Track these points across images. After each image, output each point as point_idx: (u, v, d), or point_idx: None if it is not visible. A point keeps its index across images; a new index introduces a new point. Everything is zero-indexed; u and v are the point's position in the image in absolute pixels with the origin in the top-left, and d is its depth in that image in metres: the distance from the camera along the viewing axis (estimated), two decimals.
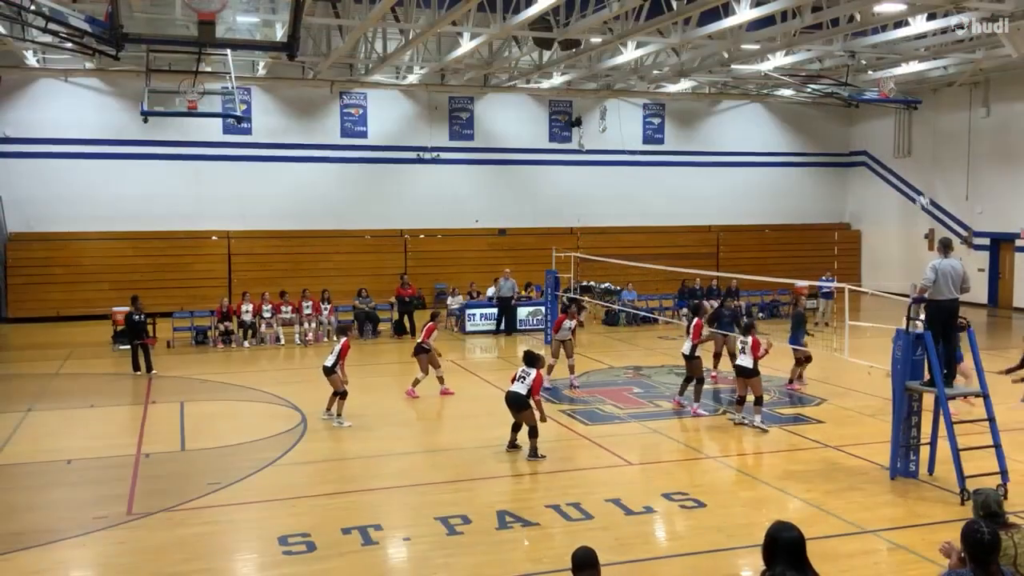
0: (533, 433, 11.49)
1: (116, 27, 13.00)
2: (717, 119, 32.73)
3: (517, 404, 11.54)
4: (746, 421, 13.34)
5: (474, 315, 23.78)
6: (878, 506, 9.83)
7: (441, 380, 15.64)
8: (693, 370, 14.32)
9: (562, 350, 16.28)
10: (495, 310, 23.82)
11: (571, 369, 16.35)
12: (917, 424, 10.77)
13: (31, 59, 24.65)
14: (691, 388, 14.45)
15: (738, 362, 13.47)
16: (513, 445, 11.84)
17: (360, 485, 10.85)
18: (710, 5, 18.04)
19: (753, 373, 13.18)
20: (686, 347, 14.48)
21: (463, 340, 22.85)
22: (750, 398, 13.32)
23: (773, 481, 10.72)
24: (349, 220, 28.50)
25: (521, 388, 11.52)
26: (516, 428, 11.84)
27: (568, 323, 16.27)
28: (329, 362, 13.77)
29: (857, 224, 34.10)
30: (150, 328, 19.43)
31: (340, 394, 13.71)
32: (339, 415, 13.66)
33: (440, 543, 8.75)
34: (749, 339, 13.29)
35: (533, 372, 11.58)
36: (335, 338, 14.99)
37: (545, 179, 30.63)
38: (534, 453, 11.50)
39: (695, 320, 14.81)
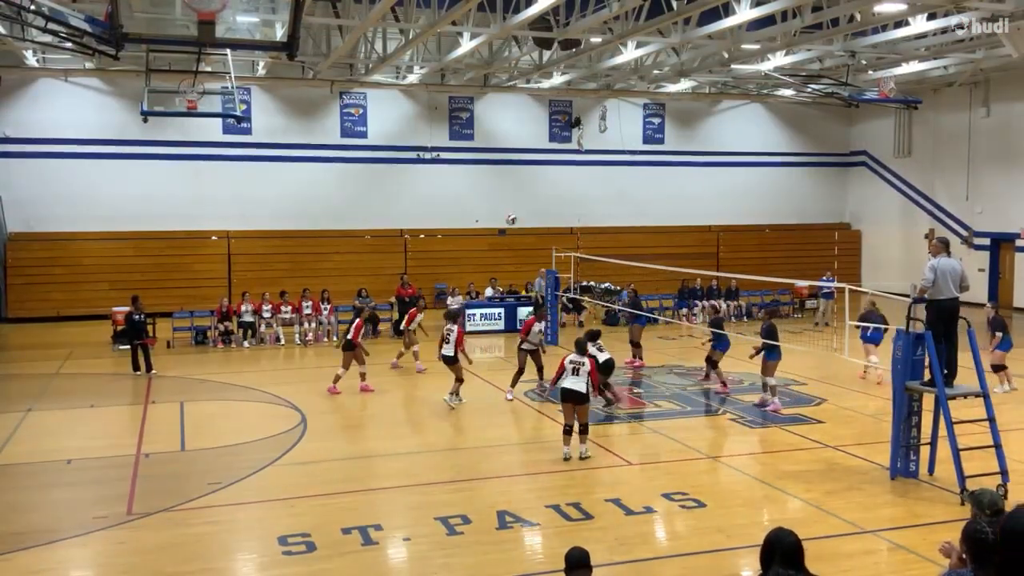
0: (584, 429, 11.60)
1: (116, 27, 13.00)
2: (717, 119, 32.72)
3: (578, 399, 11.43)
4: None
5: (474, 315, 23.76)
6: (878, 506, 9.83)
7: (363, 376, 16.19)
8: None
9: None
10: (496, 310, 23.83)
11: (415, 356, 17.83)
12: (917, 424, 10.77)
13: (31, 59, 24.64)
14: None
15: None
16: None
17: (360, 485, 10.85)
18: (710, 5, 18.03)
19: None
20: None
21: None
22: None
23: (773, 481, 10.72)
24: (349, 220, 28.50)
25: (580, 384, 11.36)
26: (569, 432, 11.56)
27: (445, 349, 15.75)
28: (449, 351, 14.69)
29: (857, 224, 34.09)
30: (150, 328, 19.43)
31: (459, 380, 14.78)
32: (454, 394, 14.70)
33: (440, 543, 8.75)
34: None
35: (586, 362, 11.49)
36: (447, 325, 15.20)
37: (545, 179, 30.62)
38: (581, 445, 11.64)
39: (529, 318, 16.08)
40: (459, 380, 14.73)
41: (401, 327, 18.89)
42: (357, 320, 16.31)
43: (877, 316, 16.47)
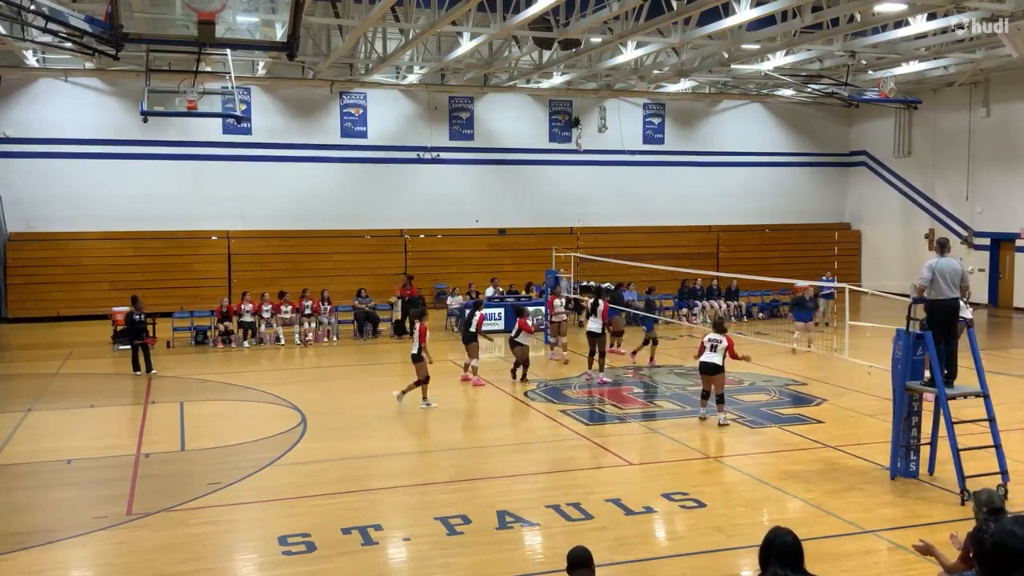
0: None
1: (116, 27, 13.00)
2: (717, 119, 32.73)
3: (713, 370, 13.27)
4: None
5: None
6: (878, 506, 9.83)
7: (474, 370, 16.81)
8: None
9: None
10: (497, 310, 23.82)
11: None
12: (917, 424, 10.76)
13: (31, 59, 24.65)
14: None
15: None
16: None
17: (360, 485, 10.84)
18: (710, 5, 18.04)
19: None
20: (596, 325, 16.59)
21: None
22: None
23: (773, 481, 10.71)
24: (349, 220, 28.50)
25: (716, 358, 13.16)
26: (706, 396, 13.57)
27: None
28: (514, 337, 16.73)
29: (857, 224, 34.10)
30: (150, 328, 19.43)
31: (522, 362, 16.44)
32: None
33: (440, 543, 8.75)
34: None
35: (723, 339, 13.24)
36: (517, 323, 17.00)
37: (545, 179, 30.63)
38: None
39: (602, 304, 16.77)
40: (523, 365, 15.82)
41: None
42: (479, 314, 17.01)
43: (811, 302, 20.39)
